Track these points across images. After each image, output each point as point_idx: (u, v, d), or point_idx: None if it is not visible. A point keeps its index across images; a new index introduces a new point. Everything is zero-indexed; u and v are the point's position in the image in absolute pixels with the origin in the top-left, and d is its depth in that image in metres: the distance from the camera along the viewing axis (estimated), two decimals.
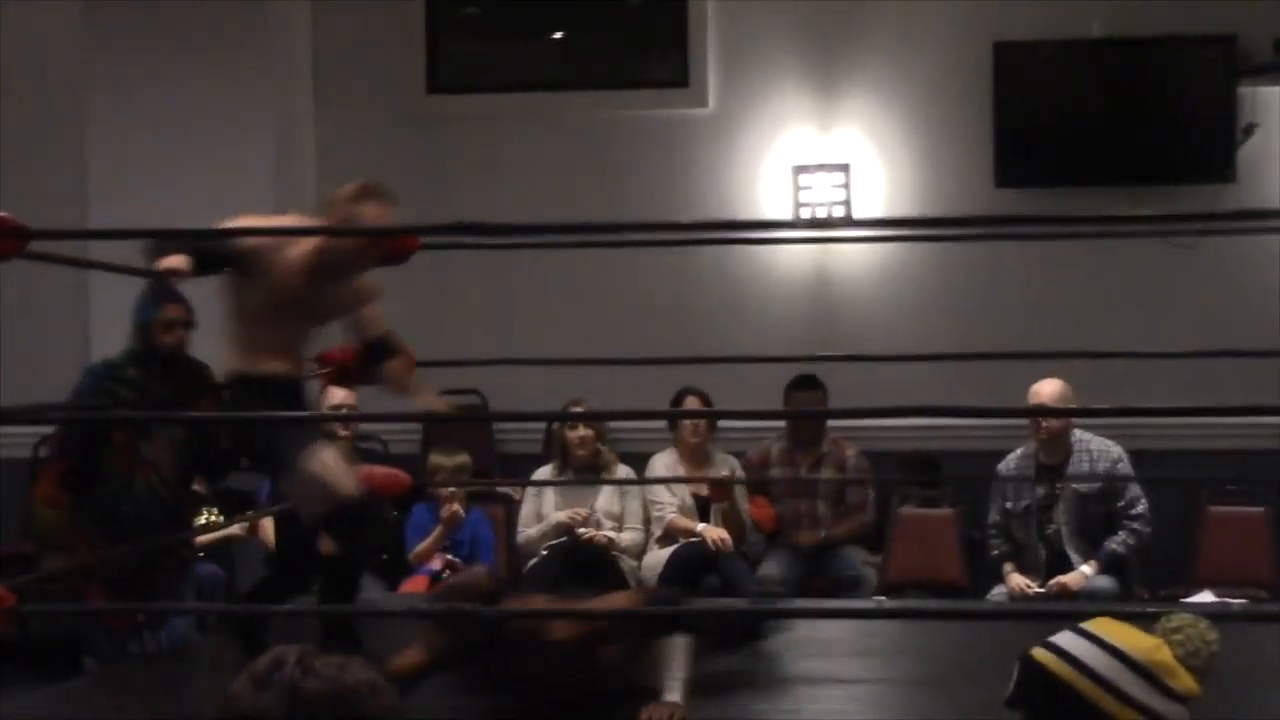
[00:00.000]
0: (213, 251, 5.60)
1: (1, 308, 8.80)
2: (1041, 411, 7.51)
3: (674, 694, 5.01)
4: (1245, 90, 9.01)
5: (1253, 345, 7.39)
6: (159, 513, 6.64)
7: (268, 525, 7.79)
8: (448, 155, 10.11)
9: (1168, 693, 2.98)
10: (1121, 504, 7.65)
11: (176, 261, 5.47)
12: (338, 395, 8.06)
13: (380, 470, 6.99)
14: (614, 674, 5.16)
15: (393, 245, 6.07)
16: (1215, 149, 8.87)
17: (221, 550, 8.07)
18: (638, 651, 5.08)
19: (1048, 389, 7.50)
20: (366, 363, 6.12)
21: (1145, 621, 3.20)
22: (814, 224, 9.42)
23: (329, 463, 5.47)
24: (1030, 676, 3.00)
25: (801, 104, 9.75)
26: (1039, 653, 3.06)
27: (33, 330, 9.18)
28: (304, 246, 5.62)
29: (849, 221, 9.49)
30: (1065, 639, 3.06)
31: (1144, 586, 7.87)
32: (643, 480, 8.77)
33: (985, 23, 9.35)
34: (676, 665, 5.04)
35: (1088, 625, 3.09)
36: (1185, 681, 2.99)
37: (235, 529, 8.08)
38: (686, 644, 5.07)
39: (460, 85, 10.32)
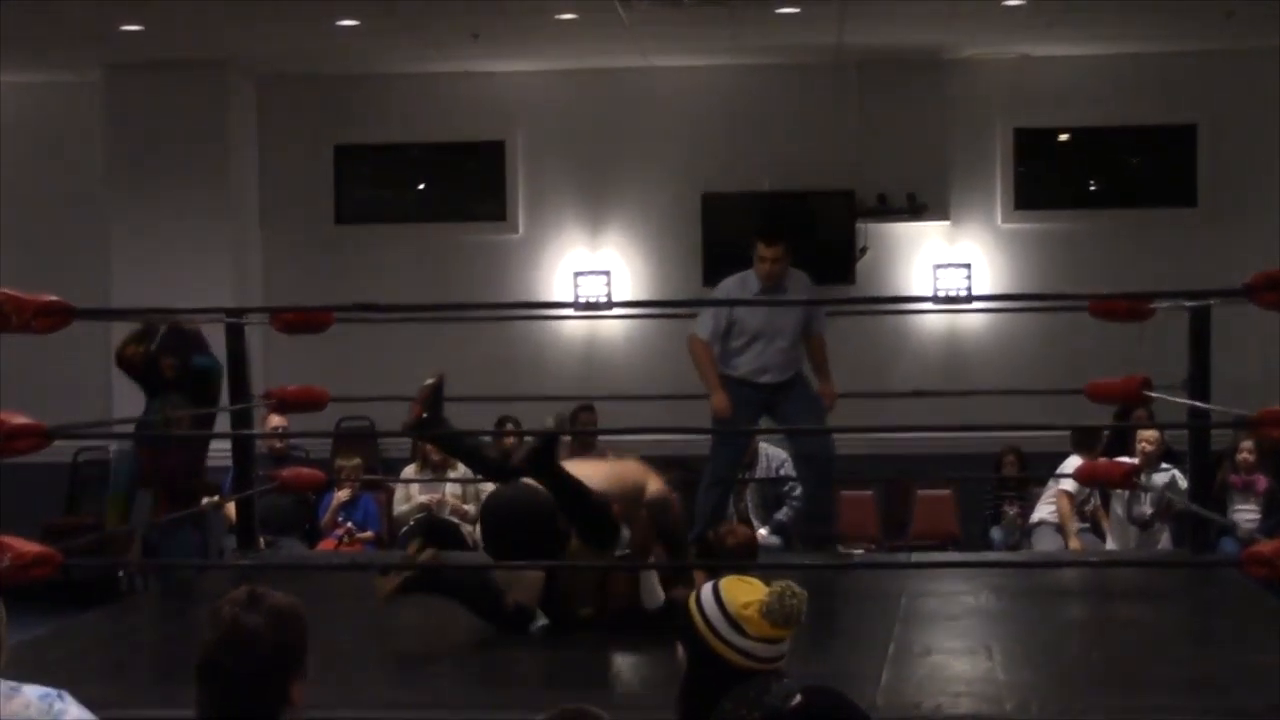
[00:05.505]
0: None
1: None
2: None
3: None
4: (861, 225, 11.51)
5: None
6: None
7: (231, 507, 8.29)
8: (348, 268, 11.72)
9: (744, 634, 3.28)
10: (786, 489, 9.30)
11: None
12: (274, 420, 9.12)
13: (304, 470, 8.25)
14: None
15: (314, 319, 6.67)
16: (842, 261, 11.41)
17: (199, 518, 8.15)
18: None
19: None
20: None
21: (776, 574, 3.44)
22: (586, 306, 11.38)
23: None
24: (680, 615, 3.35)
25: (580, 229, 11.87)
26: (691, 598, 3.40)
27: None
28: None
29: (610, 304, 11.61)
30: (705, 588, 3.37)
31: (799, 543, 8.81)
32: (475, 479, 9.20)
33: (694, 179, 11.48)
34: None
35: (721, 580, 3.38)
36: (759, 628, 3.27)
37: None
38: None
39: (357, 218, 12.07)
